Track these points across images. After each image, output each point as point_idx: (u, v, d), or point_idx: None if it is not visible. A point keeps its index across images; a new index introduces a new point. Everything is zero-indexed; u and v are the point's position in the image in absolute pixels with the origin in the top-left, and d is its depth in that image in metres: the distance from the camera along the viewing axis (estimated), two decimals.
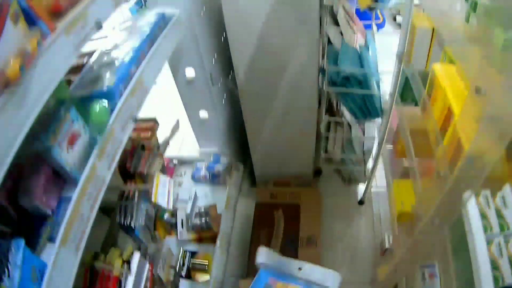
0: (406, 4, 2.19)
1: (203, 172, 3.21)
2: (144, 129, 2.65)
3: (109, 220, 2.51)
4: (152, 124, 2.72)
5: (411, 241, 2.13)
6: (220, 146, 3.37)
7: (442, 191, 1.68)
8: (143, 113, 2.61)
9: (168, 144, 2.56)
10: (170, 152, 3.22)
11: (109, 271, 2.00)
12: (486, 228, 1.58)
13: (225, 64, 3.06)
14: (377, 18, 3.18)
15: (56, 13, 1.52)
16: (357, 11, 3.14)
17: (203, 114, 3.09)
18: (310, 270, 2.34)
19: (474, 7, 1.76)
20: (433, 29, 2.48)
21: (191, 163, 3.37)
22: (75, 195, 1.52)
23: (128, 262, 2.04)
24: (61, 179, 1.65)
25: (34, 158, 1.55)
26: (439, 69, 2.02)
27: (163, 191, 2.25)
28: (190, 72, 2.78)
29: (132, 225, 2.19)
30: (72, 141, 1.62)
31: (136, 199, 2.25)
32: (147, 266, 2.10)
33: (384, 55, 3.04)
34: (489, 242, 1.54)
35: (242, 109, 3.05)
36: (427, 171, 2.24)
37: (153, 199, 2.16)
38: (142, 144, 2.52)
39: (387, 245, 3.03)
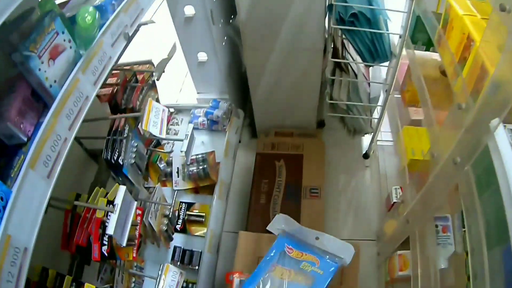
0: None
1: (201, 118, 3.08)
2: (140, 70, 2.50)
3: (97, 166, 2.37)
4: (148, 67, 2.56)
5: (425, 189, 2.00)
6: (220, 92, 3.25)
7: (463, 125, 1.54)
8: (138, 56, 2.48)
9: (164, 71, 2.40)
10: (167, 100, 3.10)
11: (92, 212, 1.82)
12: None
13: (226, 4, 2.92)
14: None
15: None
16: None
17: (202, 56, 2.97)
18: (327, 241, 2.26)
19: None
20: None
21: (188, 111, 3.23)
22: (51, 110, 1.36)
23: (113, 203, 1.87)
24: (41, 103, 1.48)
25: (11, 79, 1.38)
26: (454, 1, 1.91)
27: (155, 119, 2.08)
28: (189, 10, 2.67)
29: (120, 161, 2.00)
30: (54, 55, 1.45)
31: (126, 133, 2.06)
32: (134, 204, 1.89)
33: None
34: None
35: (243, 52, 2.89)
36: (441, 119, 2.08)
37: (143, 126, 1.99)
38: (134, 72, 2.35)
39: (394, 199, 2.90)
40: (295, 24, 2.61)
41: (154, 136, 2.04)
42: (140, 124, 2.08)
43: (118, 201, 1.73)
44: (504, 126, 1.45)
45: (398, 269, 2.52)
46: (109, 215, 1.72)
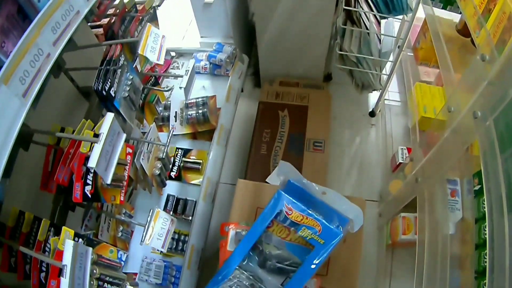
0: None
1: (203, 62, 2.97)
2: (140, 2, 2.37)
3: (89, 105, 2.25)
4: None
5: (439, 146, 1.94)
6: (224, 37, 3.14)
7: (487, 77, 1.48)
8: None
9: None
10: (168, 44, 3.01)
11: (76, 147, 1.65)
12: None
13: None
14: None
15: None
16: None
17: None
18: (334, 197, 2.13)
19: None
20: None
21: (190, 55, 3.12)
22: (34, 20, 1.23)
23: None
24: (27, 22, 1.36)
25: None
26: None
27: (153, 44, 1.95)
28: None
29: (112, 92, 1.84)
30: None
31: (121, 62, 1.93)
32: (123, 136, 1.70)
33: None
34: None
35: None
36: (455, 81, 2.06)
37: (140, 51, 1.87)
38: (135, 3, 2.21)
39: (400, 160, 2.85)
40: None
41: (150, 60, 1.92)
42: (137, 50, 1.95)
43: (104, 130, 1.57)
44: None
45: (402, 232, 2.48)
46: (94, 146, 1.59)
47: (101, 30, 2.15)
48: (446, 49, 2.17)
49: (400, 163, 2.83)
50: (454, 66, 2.09)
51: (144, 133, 2.17)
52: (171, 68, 3.08)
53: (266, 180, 2.31)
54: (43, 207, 1.89)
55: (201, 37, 3.20)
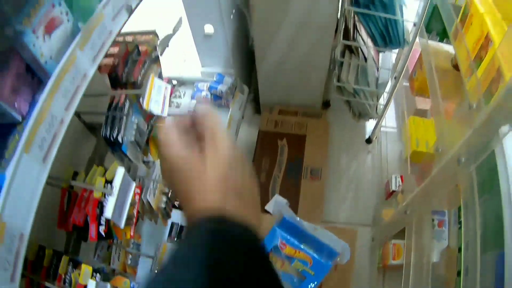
0: None
1: (204, 92, 3.04)
2: (143, 41, 2.44)
3: (96, 140, 2.33)
4: (152, 37, 2.50)
5: (426, 183, 2.00)
6: (224, 66, 3.20)
7: (473, 125, 1.54)
8: (141, 26, 2.41)
9: (168, 45, 2.35)
10: (169, 72, 3.06)
11: (89, 192, 1.79)
12: None
13: None
14: None
15: None
16: None
17: (209, 29, 2.91)
18: (324, 233, 2.28)
19: None
20: None
21: (191, 84, 3.20)
22: (45, 89, 1.31)
23: (112, 182, 1.84)
24: (36, 79, 1.44)
25: (3, 52, 1.32)
26: None
27: (157, 97, 2.03)
28: None
29: (120, 139, 1.95)
30: (50, 29, 1.38)
31: (126, 109, 2.00)
32: (133, 185, 1.87)
33: None
34: None
35: (251, 24, 2.88)
36: (447, 116, 2.12)
37: (144, 106, 1.94)
38: (137, 45, 2.28)
39: (393, 188, 2.91)
40: None
41: (155, 113, 2.00)
42: (141, 100, 2.04)
43: (117, 183, 1.70)
44: None
45: (392, 258, 2.58)
46: (107, 196, 1.70)
47: (103, 60, 2.22)
48: (438, 85, 2.23)
49: (394, 191, 2.89)
50: (449, 97, 2.17)
51: (147, 162, 2.25)
52: (173, 97, 3.14)
53: (265, 207, 2.40)
54: (59, 238, 2.06)
55: (202, 66, 3.26)
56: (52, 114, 1.31)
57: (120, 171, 1.74)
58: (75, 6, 1.47)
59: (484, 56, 1.67)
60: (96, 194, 1.75)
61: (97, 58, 1.53)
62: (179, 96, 3.17)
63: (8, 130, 1.31)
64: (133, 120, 2.04)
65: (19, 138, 1.28)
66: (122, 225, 1.70)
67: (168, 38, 2.31)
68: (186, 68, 3.33)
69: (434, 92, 2.24)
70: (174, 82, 3.23)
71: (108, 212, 1.63)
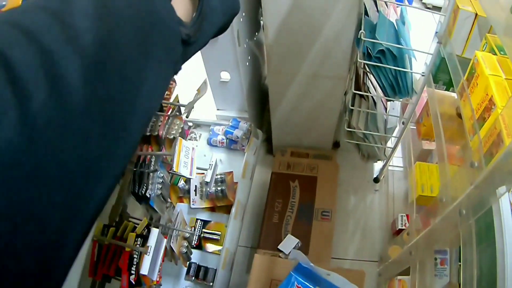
0: None
1: (220, 136, 3.15)
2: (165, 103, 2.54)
3: (118, 185, 2.45)
4: (175, 98, 2.60)
5: (430, 228, 2.10)
6: (239, 110, 3.32)
7: (473, 182, 1.63)
8: None
9: (193, 107, 2.44)
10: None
11: (121, 247, 1.94)
12: None
13: (251, 23, 2.97)
14: None
15: None
16: None
17: (225, 75, 3.02)
18: (337, 278, 2.37)
19: None
20: (476, 14, 2.39)
21: (207, 127, 3.30)
22: None
23: (141, 236, 1.97)
24: None
25: None
26: (482, 57, 1.93)
27: (185, 159, 2.14)
28: None
29: (148, 194, 2.08)
30: None
31: (153, 165, 2.15)
32: (164, 242, 2.02)
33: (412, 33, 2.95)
34: None
35: (267, 72, 2.95)
36: (451, 158, 2.19)
37: (174, 168, 2.06)
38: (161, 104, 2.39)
39: (399, 226, 3.02)
40: (322, 51, 2.67)
41: (184, 176, 2.11)
42: (171, 164, 2.13)
43: (151, 243, 1.83)
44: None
45: None
46: (139, 252, 1.84)
47: None
48: (443, 132, 2.30)
49: (400, 229, 2.99)
50: (454, 140, 2.27)
51: (168, 207, 2.37)
52: (189, 139, 3.25)
53: (278, 247, 2.51)
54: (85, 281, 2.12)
55: (217, 109, 3.37)
56: None
57: (155, 232, 1.88)
58: None
59: (487, 118, 1.73)
60: (127, 249, 1.88)
61: None
62: (195, 138, 3.27)
63: None
64: (158, 174, 2.16)
65: None
66: (155, 278, 1.83)
67: (194, 101, 2.41)
68: (202, 107, 3.43)
69: (439, 140, 2.32)
70: (190, 123, 3.33)
71: (144, 270, 1.76)
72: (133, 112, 0.60)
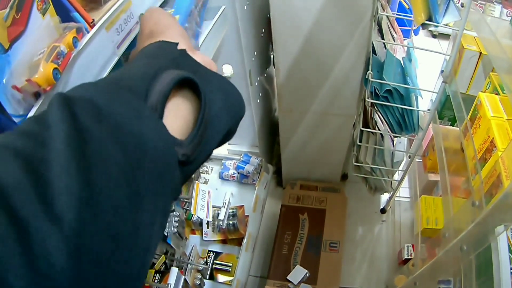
0: (458, 25, 2.20)
1: (231, 171, 3.22)
2: None
3: None
4: None
5: (434, 261, 2.17)
6: (250, 145, 3.40)
7: (474, 220, 1.71)
8: None
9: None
10: None
11: None
12: None
13: (262, 60, 3.04)
14: (410, 24, 3.19)
15: (91, 0, 1.36)
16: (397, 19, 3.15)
17: None
18: None
19: None
20: (480, 53, 2.48)
21: (218, 161, 3.40)
22: None
23: (159, 271, 2.05)
24: None
25: None
26: (485, 98, 2.01)
27: (202, 202, 2.22)
28: (227, 70, 2.72)
29: (165, 233, 2.18)
30: None
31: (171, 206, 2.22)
32: (182, 279, 2.08)
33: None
34: None
35: (278, 110, 3.05)
36: (456, 189, 2.28)
37: (192, 211, 2.14)
38: None
39: (405, 256, 3.07)
40: (331, 91, 2.74)
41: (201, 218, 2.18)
42: (189, 208, 2.21)
43: (172, 281, 1.94)
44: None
45: None
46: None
47: None
48: (447, 167, 2.39)
49: (406, 259, 3.04)
50: (458, 173, 2.33)
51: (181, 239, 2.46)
52: (201, 172, 3.33)
53: (287, 277, 2.58)
54: None
55: (229, 144, 3.46)
56: None
57: (174, 271, 1.97)
58: None
59: (488, 159, 1.81)
60: (147, 284, 1.98)
61: None
62: (207, 172, 3.34)
63: None
64: (175, 213, 2.24)
65: None
66: None
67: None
68: None
69: (443, 175, 2.40)
70: None
71: None
72: (129, 269, 0.54)
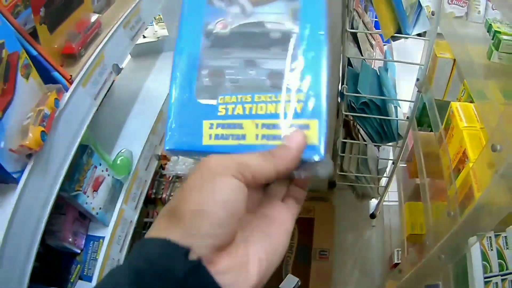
0: (429, 35, 2.24)
1: None
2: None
3: None
4: None
5: (416, 268, 2.24)
6: None
7: (450, 230, 1.75)
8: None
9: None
10: None
11: None
12: (487, 268, 1.70)
13: None
14: None
15: (68, 56, 1.49)
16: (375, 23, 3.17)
17: None
18: None
19: (497, 45, 1.87)
20: (454, 60, 2.51)
21: None
22: (105, 242, 1.62)
23: None
24: (87, 219, 1.75)
25: (60, 202, 1.62)
26: (457, 108, 2.04)
27: None
28: None
29: None
30: (96, 186, 1.71)
31: None
32: None
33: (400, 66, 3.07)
34: (487, 283, 1.67)
35: None
36: (437, 193, 2.33)
37: None
38: (161, 173, 2.57)
39: (395, 261, 3.11)
40: None
41: None
42: None
43: None
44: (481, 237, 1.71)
45: None
46: None
47: None
48: (426, 173, 2.48)
49: (396, 263, 3.07)
50: (438, 177, 2.31)
51: None
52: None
53: (279, 286, 2.63)
54: None
55: None
56: (112, 258, 1.61)
57: None
58: (114, 164, 1.77)
59: (462, 169, 1.84)
60: None
61: (138, 206, 1.82)
62: None
63: (71, 260, 1.62)
64: None
65: (80, 267, 1.59)
66: None
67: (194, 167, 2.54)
68: None
69: (423, 183, 2.47)
70: None
71: None
72: None
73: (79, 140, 1.46)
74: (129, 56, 2.86)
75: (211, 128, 0.79)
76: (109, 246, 1.62)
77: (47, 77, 1.36)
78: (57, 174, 1.36)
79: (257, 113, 0.79)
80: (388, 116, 2.65)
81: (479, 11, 2.35)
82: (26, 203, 1.22)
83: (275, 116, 0.78)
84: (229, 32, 0.83)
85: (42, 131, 1.20)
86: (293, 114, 0.78)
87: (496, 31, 1.94)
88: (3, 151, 1.15)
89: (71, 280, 1.62)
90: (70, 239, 1.63)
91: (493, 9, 2.25)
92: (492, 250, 1.73)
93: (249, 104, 0.80)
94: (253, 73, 0.82)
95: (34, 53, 1.33)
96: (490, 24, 2.02)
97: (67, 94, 1.38)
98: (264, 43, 0.83)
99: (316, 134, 0.77)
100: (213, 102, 0.81)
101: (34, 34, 1.37)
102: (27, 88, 1.24)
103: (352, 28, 2.63)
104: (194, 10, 0.85)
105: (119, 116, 2.16)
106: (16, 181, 1.21)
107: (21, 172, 1.21)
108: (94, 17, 1.70)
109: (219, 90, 0.81)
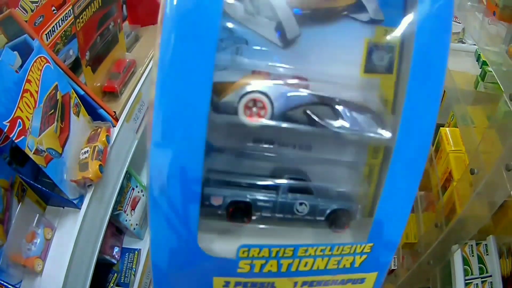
0: None
1: None
2: None
3: None
4: None
5: (409, 274, 2.44)
6: None
7: (437, 239, 1.98)
8: None
9: None
10: None
11: None
12: (468, 272, 1.89)
13: None
14: None
15: (109, 93, 1.64)
16: None
17: None
18: None
19: (483, 75, 2.00)
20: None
21: None
22: (144, 252, 1.90)
23: None
24: (122, 233, 2.01)
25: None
26: (446, 133, 2.21)
27: None
28: None
29: None
30: (134, 205, 1.94)
31: None
32: None
33: None
34: (468, 284, 1.86)
35: None
36: (429, 205, 2.53)
37: None
38: None
39: (392, 267, 3.14)
40: None
41: None
42: None
43: None
44: (464, 245, 1.92)
45: None
46: None
47: None
48: (419, 195, 2.63)
49: (393, 269, 3.10)
50: (428, 191, 2.50)
51: None
52: None
53: None
54: None
55: None
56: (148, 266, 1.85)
57: None
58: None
59: (448, 187, 2.04)
60: None
61: None
62: None
63: (108, 269, 1.86)
64: None
65: (117, 276, 1.83)
66: None
67: None
68: None
69: (416, 197, 2.60)
70: None
71: None
72: None
73: (125, 169, 1.65)
74: None
75: None
76: (147, 257, 1.85)
77: (93, 114, 1.50)
78: (110, 198, 1.54)
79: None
80: None
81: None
82: (87, 225, 1.39)
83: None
84: None
85: (100, 165, 1.37)
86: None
87: (484, 62, 2.05)
88: (65, 182, 1.31)
89: (109, 287, 1.84)
90: (109, 252, 1.87)
91: (490, 23, 2.37)
92: (473, 256, 1.92)
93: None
94: None
95: (81, 92, 1.44)
96: (479, 54, 2.14)
97: (115, 130, 1.54)
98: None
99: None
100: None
101: (73, 70, 1.48)
102: (79, 125, 1.39)
103: None
104: None
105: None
106: (76, 206, 1.36)
107: (79, 198, 1.37)
108: (128, 56, 1.85)
109: None
